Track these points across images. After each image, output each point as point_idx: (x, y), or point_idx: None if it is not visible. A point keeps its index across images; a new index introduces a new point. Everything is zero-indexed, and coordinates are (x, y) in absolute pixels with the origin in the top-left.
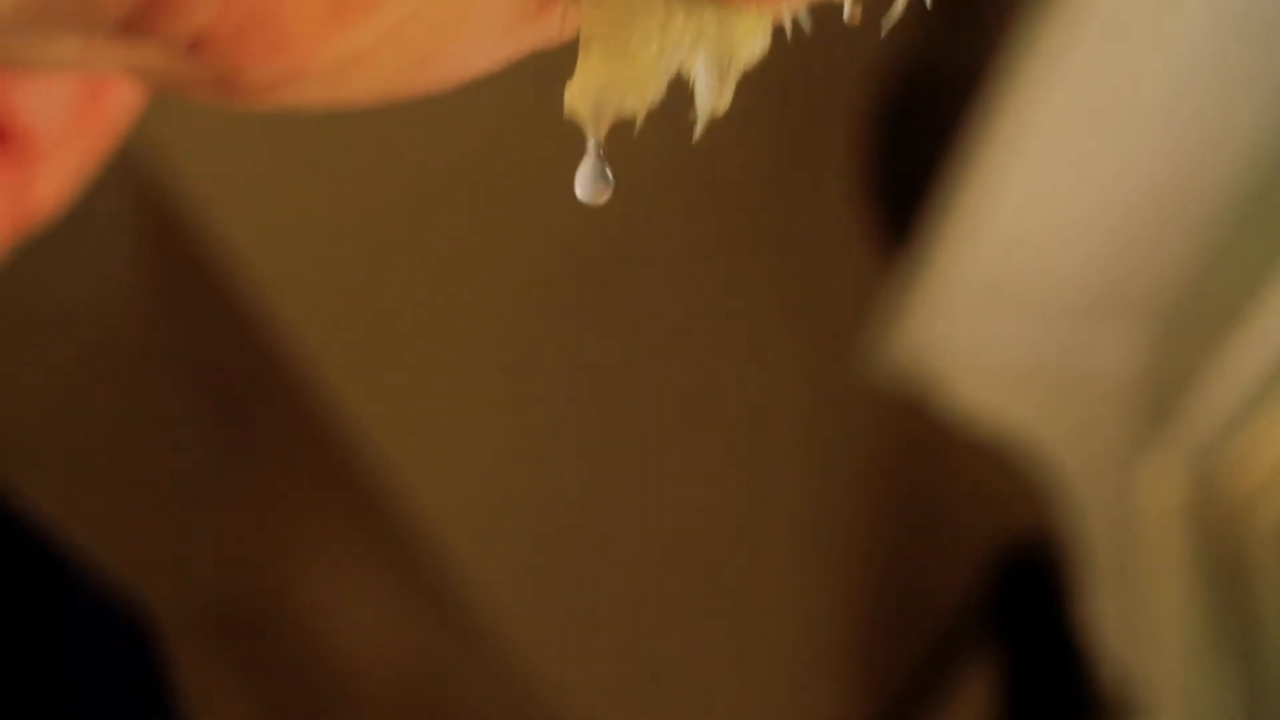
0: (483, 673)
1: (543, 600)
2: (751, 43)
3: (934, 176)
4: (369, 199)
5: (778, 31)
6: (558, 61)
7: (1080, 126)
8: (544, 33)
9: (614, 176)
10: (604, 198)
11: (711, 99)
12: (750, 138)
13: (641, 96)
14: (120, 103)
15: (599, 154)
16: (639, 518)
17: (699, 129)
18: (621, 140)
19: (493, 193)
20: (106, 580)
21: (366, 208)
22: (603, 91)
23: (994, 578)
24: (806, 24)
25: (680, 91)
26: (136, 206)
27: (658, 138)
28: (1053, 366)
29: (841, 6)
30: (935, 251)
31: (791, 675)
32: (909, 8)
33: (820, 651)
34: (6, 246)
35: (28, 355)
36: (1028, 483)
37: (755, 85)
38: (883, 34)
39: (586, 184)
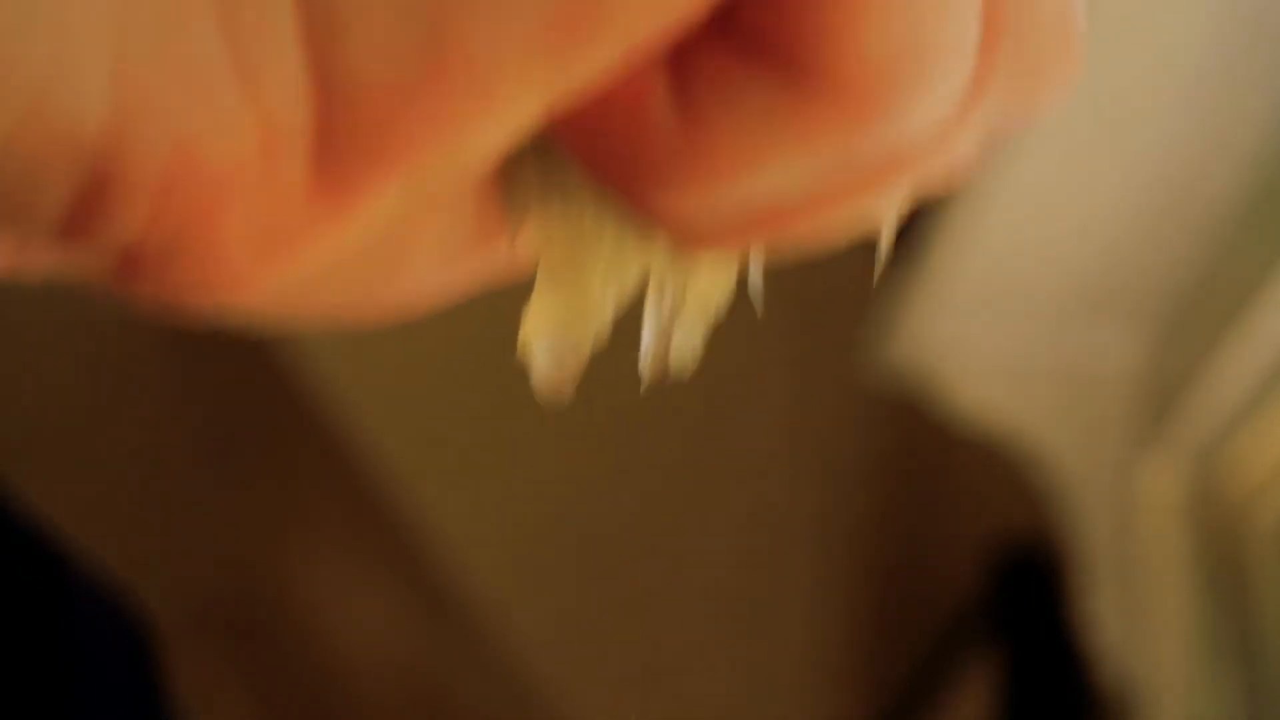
0: (483, 673)
1: (542, 600)
2: (711, 290)
3: None
4: None
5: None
6: None
7: (1080, 126)
8: (494, 263)
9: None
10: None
11: (660, 342)
12: None
13: (589, 330)
14: None
15: None
16: (638, 518)
17: (645, 374)
18: None
19: None
20: (104, 581)
21: None
22: (558, 326)
23: (993, 578)
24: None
25: None
26: None
27: None
28: (1053, 366)
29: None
30: (935, 252)
31: (792, 675)
32: None
33: (820, 651)
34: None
35: (27, 355)
36: (1027, 483)
37: None
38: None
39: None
